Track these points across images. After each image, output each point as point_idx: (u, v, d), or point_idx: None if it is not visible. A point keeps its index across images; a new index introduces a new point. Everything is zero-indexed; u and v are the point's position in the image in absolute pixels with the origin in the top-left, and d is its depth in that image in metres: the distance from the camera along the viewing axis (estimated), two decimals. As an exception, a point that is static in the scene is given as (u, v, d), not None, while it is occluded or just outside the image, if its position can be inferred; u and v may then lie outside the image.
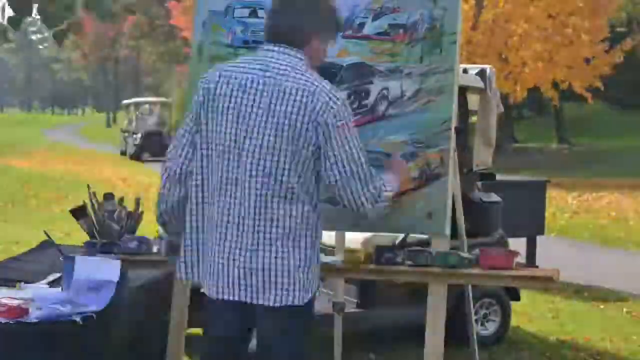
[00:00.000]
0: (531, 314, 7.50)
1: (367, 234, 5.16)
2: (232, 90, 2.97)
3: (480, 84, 5.65)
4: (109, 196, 3.84)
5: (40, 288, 3.38)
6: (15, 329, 2.90)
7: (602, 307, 7.99)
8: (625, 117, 35.42)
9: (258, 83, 2.95)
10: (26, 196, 16.85)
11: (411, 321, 5.84)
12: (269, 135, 2.90)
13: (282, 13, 3.05)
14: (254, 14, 3.91)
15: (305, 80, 2.94)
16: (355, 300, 5.96)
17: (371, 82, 3.66)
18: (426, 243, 3.82)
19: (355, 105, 3.67)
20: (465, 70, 5.71)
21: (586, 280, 9.05)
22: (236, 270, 2.94)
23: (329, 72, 3.68)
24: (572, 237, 12.60)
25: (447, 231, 3.53)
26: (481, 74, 5.68)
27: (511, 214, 8.67)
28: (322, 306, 4.48)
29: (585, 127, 35.10)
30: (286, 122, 2.90)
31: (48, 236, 3.90)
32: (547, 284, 3.44)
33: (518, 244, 7.35)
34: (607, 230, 13.34)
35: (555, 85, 23.84)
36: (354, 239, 4.55)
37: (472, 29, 22.16)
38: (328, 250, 4.60)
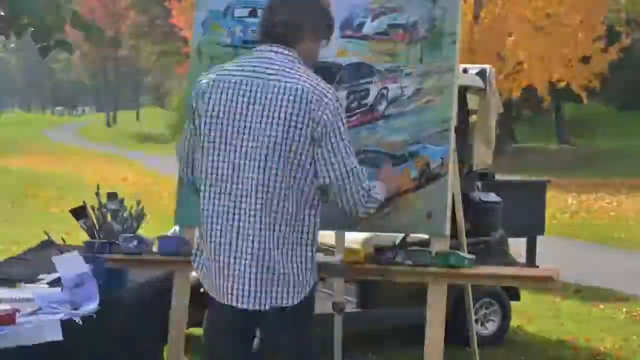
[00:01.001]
0: (531, 314, 7.50)
1: (367, 234, 5.16)
2: (225, 93, 2.95)
3: (480, 84, 5.66)
4: (112, 195, 3.84)
5: (40, 288, 3.38)
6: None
7: (602, 307, 7.99)
8: (625, 117, 35.43)
9: (251, 84, 2.94)
10: (26, 196, 16.86)
11: (411, 321, 5.84)
12: (265, 136, 2.89)
13: (275, 12, 3.03)
14: (253, 13, 3.91)
15: (299, 79, 2.93)
16: (355, 300, 5.96)
17: (371, 82, 3.66)
18: (426, 243, 3.81)
19: (354, 105, 3.67)
20: (465, 70, 5.71)
21: (586, 280, 9.05)
22: (240, 270, 2.92)
23: (329, 72, 3.68)
24: (572, 237, 12.60)
25: (447, 231, 3.53)
26: (481, 74, 5.69)
27: (511, 214, 8.66)
28: (322, 306, 4.48)
29: (585, 127, 35.10)
30: (281, 122, 2.88)
31: (48, 236, 3.90)
32: (547, 284, 3.44)
33: (518, 244, 7.35)
34: (607, 230, 13.34)
35: (552, 84, 23.86)
36: (354, 239, 4.56)
37: (472, 29, 22.17)
38: (328, 250, 4.60)
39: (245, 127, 2.92)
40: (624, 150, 28.82)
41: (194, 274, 3.28)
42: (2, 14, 5.43)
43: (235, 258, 2.93)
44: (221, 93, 2.96)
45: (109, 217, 3.78)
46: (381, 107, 3.66)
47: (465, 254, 3.52)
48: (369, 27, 3.73)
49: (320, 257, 3.57)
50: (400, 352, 6.09)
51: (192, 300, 3.82)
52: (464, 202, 4.55)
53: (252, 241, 2.91)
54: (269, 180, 2.90)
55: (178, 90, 44.07)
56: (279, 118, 2.89)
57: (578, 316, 7.58)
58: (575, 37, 22.35)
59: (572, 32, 22.32)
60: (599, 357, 6.22)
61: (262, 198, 2.90)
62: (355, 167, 2.99)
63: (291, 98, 2.89)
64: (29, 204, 15.77)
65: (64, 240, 3.67)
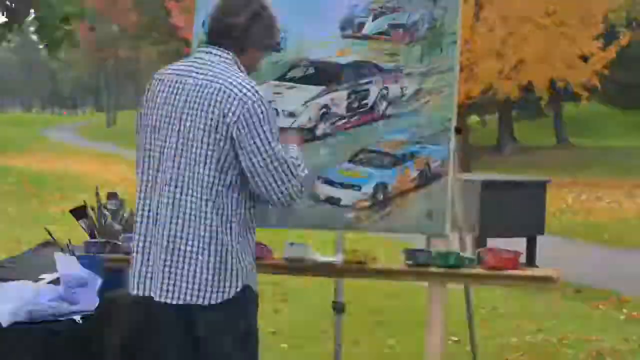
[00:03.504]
0: (531, 313, 7.50)
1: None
2: (161, 91, 2.99)
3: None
4: (112, 195, 3.84)
5: (39, 287, 3.38)
6: (15, 328, 2.90)
7: (602, 307, 7.98)
8: (625, 117, 35.44)
9: (182, 83, 2.96)
10: (26, 196, 16.85)
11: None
12: (188, 132, 2.91)
13: (223, 18, 3.08)
14: (253, 13, 3.91)
15: (222, 76, 2.94)
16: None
17: (371, 82, 3.67)
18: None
19: (355, 105, 3.68)
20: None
21: (586, 280, 9.04)
22: (170, 271, 2.90)
23: (329, 71, 3.69)
24: (572, 237, 12.60)
25: (447, 231, 3.53)
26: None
27: (511, 213, 8.63)
28: None
29: (585, 127, 35.11)
30: (201, 118, 2.90)
31: (50, 234, 3.91)
32: (547, 284, 3.44)
33: (518, 244, 7.35)
34: (607, 230, 13.34)
35: (552, 84, 23.83)
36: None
37: (472, 28, 22.16)
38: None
39: (172, 124, 2.95)
40: (624, 150, 28.82)
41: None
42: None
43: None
44: (159, 93, 2.99)
45: (109, 217, 3.79)
46: (381, 107, 3.67)
47: (466, 254, 3.52)
48: (369, 27, 3.73)
49: (320, 256, 3.58)
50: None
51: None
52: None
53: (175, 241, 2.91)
54: (189, 174, 2.92)
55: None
56: (198, 114, 2.92)
57: (578, 316, 7.58)
58: (574, 35, 22.31)
59: (571, 30, 22.29)
60: (599, 357, 6.21)
61: (184, 193, 2.93)
62: (275, 164, 2.92)
63: (208, 94, 2.91)
64: (29, 203, 15.77)
65: (70, 241, 3.66)
